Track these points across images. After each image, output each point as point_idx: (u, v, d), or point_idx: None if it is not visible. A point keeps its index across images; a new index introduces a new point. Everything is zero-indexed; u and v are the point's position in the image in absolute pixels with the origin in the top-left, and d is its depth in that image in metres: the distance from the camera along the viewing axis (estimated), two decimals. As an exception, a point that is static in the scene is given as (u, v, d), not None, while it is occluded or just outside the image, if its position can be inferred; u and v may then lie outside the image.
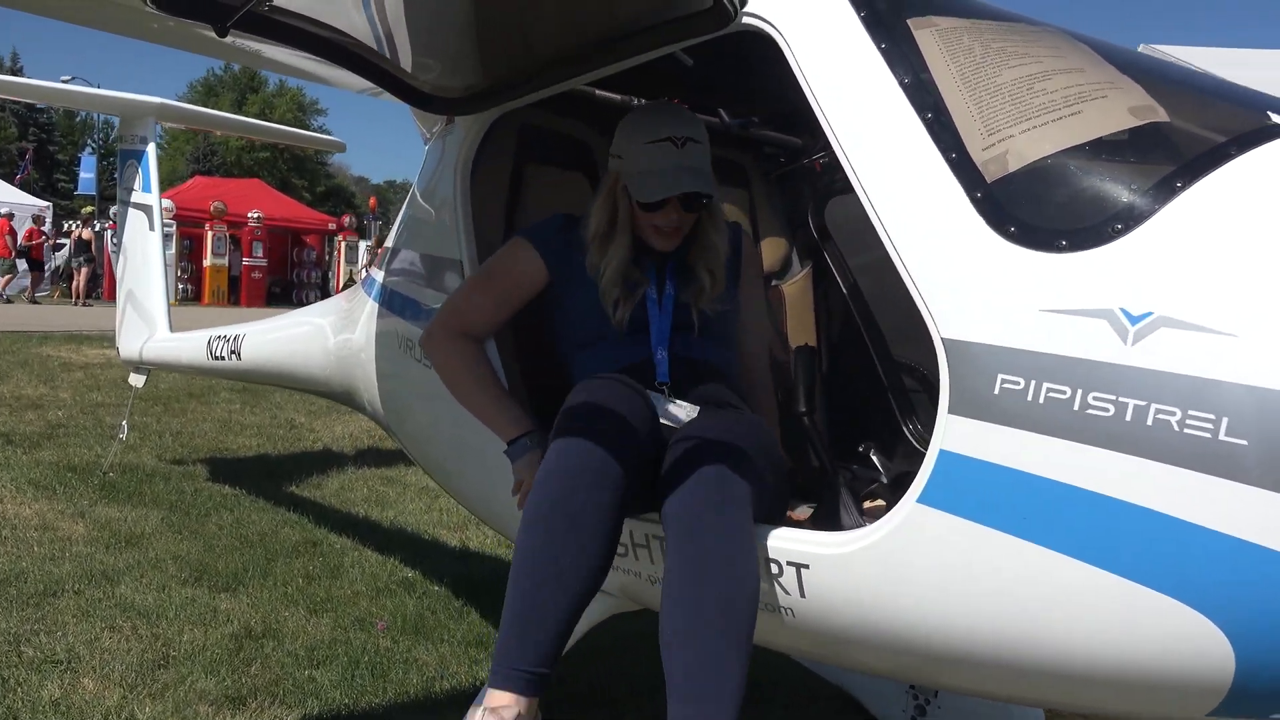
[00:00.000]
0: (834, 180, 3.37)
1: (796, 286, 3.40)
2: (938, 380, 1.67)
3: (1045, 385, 1.55)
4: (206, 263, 24.61)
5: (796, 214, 3.48)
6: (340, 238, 27.40)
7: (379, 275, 3.19)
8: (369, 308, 3.23)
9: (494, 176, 2.82)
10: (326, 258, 28.64)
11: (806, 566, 1.84)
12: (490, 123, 2.70)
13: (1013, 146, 1.70)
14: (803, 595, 1.86)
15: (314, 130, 38.23)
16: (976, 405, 1.63)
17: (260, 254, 25.44)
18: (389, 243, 3.25)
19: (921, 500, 1.70)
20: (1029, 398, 1.58)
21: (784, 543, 1.89)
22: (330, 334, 3.66)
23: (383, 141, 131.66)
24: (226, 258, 24.87)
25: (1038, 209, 1.67)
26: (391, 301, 2.99)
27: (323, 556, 4.89)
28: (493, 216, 2.77)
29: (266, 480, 6.45)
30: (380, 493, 6.43)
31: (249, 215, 25.37)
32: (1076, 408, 1.51)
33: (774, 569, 1.89)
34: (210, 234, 24.49)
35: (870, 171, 1.81)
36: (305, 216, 29.77)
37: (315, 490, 6.41)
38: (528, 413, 2.40)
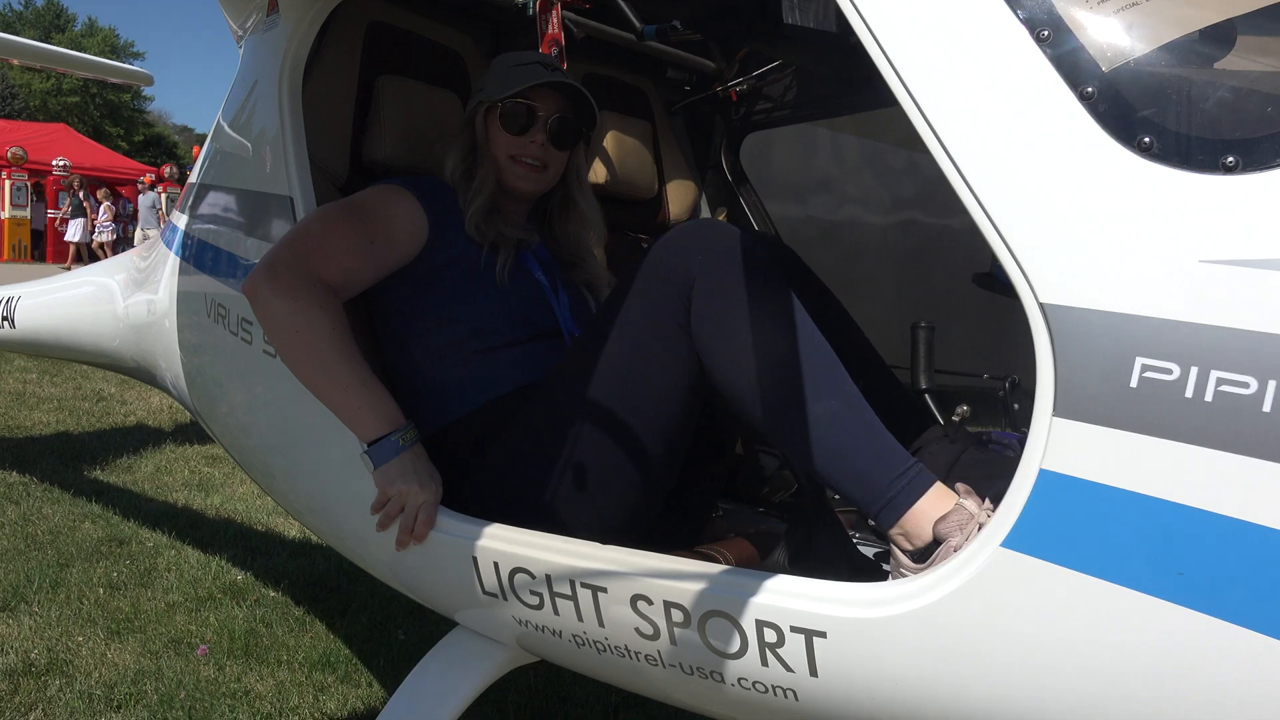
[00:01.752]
0: (752, 112, 2.84)
1: (707, 237, 2.84)
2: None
3: (1215, 375, 1.04)
4: (4, 214, 22.46)
5: (707, 153, 2.93)
6: (160, 189, 25.40)
7: (180, 221, 2.46)
8: (170, 263, 2.50)
9: (334, 88, 2.15)
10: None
11: (822, 635, 1.29)
12: (327, 14, 2.01)
13: (1147, 13, 1.16)
14: (813, 673, 1.31)
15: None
16: (1100, 404, 1.11)
17: (67, 205, 23.33)
18: (193, 177, 2.51)
19: (1010, 544, 1.17)
20: (1188, 393, 1.06)
21: (787, 600, 1.33)
22: (120, 296, 2.89)
23: (207, 87, 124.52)
24: (28, 209, 22.78)
25: (1191, 109, 1.13)
26: (199, 255, 2.28)
27: (130, 558, 4.12)
28: (334, 141, 2.10)
29: (65, 464, 5.53)
30: (204, 475, 5.61)
31: (53, 163, 23.25)
32: (1269, 409, 1.00)
33: (768, 635, 1.34)
34: (8, 183, 22.34)
35: (913, 58, 1.24)
36: (120, 165, 27.66)
37: (125, 475, 5.53)
38: (394, 403, 1.78)
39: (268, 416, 2.14)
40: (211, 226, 2.25)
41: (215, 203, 2.27)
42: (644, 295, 1.60)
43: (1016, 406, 2.57)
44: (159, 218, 19.45)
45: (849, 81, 2.64)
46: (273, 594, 3.85)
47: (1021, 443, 2.30)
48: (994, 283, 1.60)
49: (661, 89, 2.92)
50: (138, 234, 19.55)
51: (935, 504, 1.40)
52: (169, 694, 2.94)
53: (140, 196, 20.21)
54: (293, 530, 4.69)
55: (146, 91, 52.00)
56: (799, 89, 2.75)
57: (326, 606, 3.73)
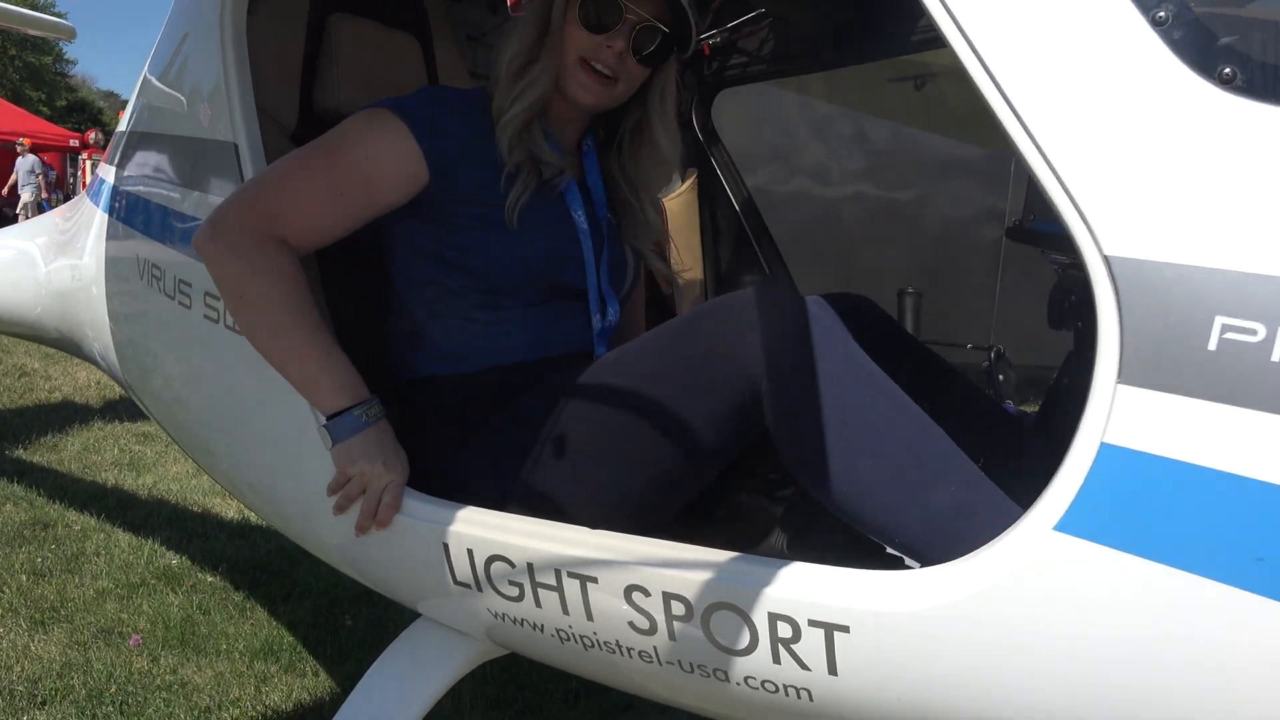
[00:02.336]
0: (725, 66, 2.68)
1: (679, 200, 2.71)
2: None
3: (1317, 337, 0.91)
4: (-80, 181, 21.44)
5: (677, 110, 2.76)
6: (85, 155, 24.48)
7: (109, 175, 2.24)
8: (97, 223, 2.28)
9: (281, 26, 1.95)
10: (70, 179, 25.57)
11: (844, 630, 1.15)
12: (273, -59, 1.82)
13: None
14: (832, 672, 1.17)
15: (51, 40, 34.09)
16: (1173, 369, 0.98)
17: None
18: (121, 126, 2.29)
19: (1065, 527, 1.03)
20: (1275, 356, 0.93)
21: (805, 591, 1.19)
22: (41, 260, 2.65)
23: (132, 52, 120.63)
24: (-54, 176, 21.73)
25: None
26: (130, 212, 2.07)
27: (56, 543, 3.88)
28: (282, 85, 1.90)
29: (-16, 444, 5.23)
30: (135, 454, 5.34)
31: (-29, 128, 22.23)
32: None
33: (781, 630, 1.19)
34: (-77, 149, 21.29)
35: None
36: (42, 130, 26.54)
37: (50, 454, 5.25)
38: (357, 374, 1.59)
39: (208, 388, 1.95)
40: (144, 180, 2.03)
41: (148, 154, 2.05)
42: (690, 373, 1.42)
43: (1001, 378, 2.47)
44: (38, 182, 18.60)
45: (830, 33, 2.50)
46: (210, 579, 3.64)
47: (1019, 415, 2.20)
48: (1030, 235, 1.46)
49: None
50: (23, 199, 18.63)
51: None
52: (98, 688, 2.74)
53: (18, 160, 19.22)
54: (231, 511, 4.47)
55: (69, 54, 50.18)
56: (776, 42, 2.60)
57: (268, 592, 3.54)
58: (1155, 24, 1.02)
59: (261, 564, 3.82)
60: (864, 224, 6.93)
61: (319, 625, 3.28)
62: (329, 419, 1.54)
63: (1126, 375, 1.01)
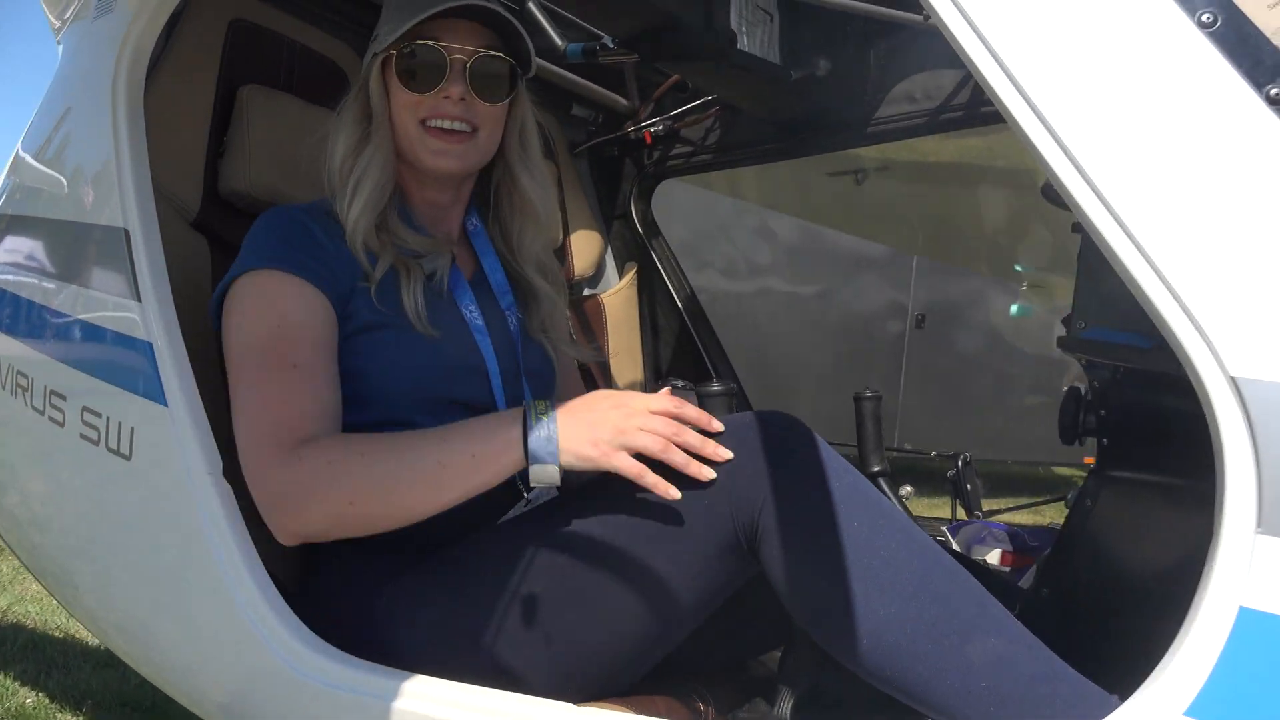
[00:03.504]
0: (667, 156, 2.53)
1: (618, 297, 2.53)
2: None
3: None
4: None
5: (614, 201, 2.60)
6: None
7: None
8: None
9: (185, 96, 1.70)
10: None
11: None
12: (180, 2, 1.57)
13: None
14: None
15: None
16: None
17: None
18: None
19: (1199, 712, 0.83)
20: None
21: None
22: None
23: None
24: None
25: None
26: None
27: (-112, 681, 3.37)
28: (183, 163, 1.65)
29: None
30: (-13, 570, 4.80)
31: None
32: None
33: None
34: None
35: (1026, 61, 0.91)
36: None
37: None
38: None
39: (77, 513, 1.65)
40: (9, 269, 1.73)
41: (16, 239, 1.75)
42: (671, 508, 1.22)
43: (969, 487, 2.31)
44: None
45: (782, 123, 2.37)
46: (73, 719, 3.20)
47: (1014, 536, 2.04)
48: (1086, 346, 1.29)
49: (566, 128, 2.57)
50: None
51: None
52: None
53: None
54: (94, 638, 4.00)
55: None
56: (722, 131, 2.46)
57: (142, 733, 3.12)
58: (1271, 102, 0.86)
59: (131, 700, 3.39)
60: (771, 319, 6.89)
61: (200, 774, 2.88)
62: (529, 458, 1.23)
63: (1267, 523, 0.83)
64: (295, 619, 1.28)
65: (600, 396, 1.27)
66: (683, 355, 2.53)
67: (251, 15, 1.86)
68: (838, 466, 1.22)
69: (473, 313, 1.50)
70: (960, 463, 2.14)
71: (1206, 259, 0.87)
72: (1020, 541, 1.93)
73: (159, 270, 1.43)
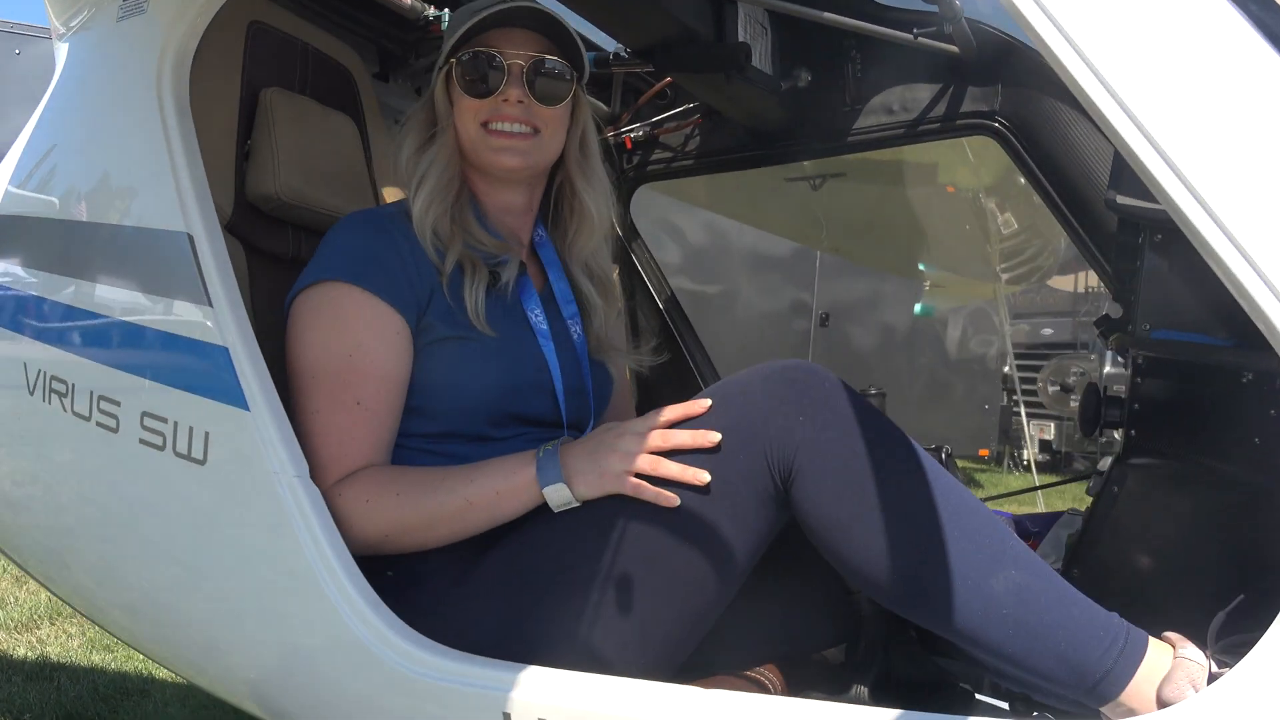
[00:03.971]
0: (647, 161, 2.60)
1: (601, 299, 2.56)
2: None
3: None
4: None
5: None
6: None
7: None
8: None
9: (213, 99, 1.69)
10: None
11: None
12: (222, 2, 1.56)
13: None
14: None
15: None
16: None
17: None
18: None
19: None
20: None
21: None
22: None
23: None
24: None
25: None
26: (17, 313, 1.71)
27: None
28: (214, 166, 1.63)
29: None
30: (-114, 585, 4.54)
31: None
32: None
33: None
34: None
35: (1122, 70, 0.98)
36: None
37: None
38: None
39: (118, 510, 1.64)
40: (35, 274, 1.68)
41: (44, 244, 1.71)
42: (710, 459, 1.29)
43: None
44: None
45: (761, 131, 2.47)
46: (5, 735, 3.09)
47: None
48: (1158, 345, 1.40)
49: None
50: None
51: (1155, 665, 1.16)
52: None
53: None
54: (21, 647, 3.85)
55: None
56: (703, 138, 2.54)
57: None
58: None
59: (73, 711, 3.28)
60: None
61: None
62: (541, 484, 1.34)
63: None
64: (391, 614, 1.31)
65: (604, 429, 1.38)
66: (666, 363, 2.61)
67: (268, 18, 1.86)
68: (865, 409, 1.29)
69: (539, 320, 1.55)
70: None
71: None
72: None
73: (227, 273, 1.43)
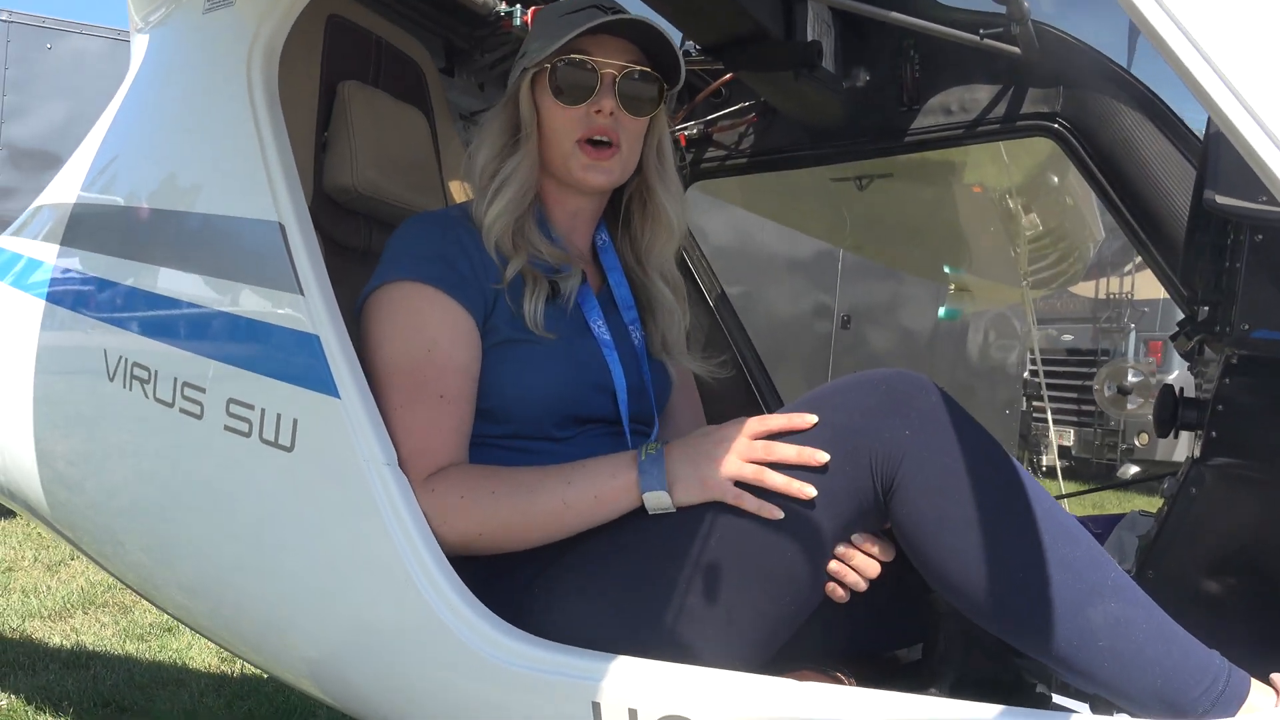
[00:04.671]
0: (700, 159, 2.60)
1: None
2: None
3: None
4: None
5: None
6: None
7: (43, 252, 1.88)
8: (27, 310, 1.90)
9: (294, 91, 1.71)
10: None
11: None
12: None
13: None
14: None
15: None
16: None
17: None
18: (59, 195, 1.91)
19: None
20: None
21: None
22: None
23: None
24: None
25: None
26: (100, 300, 1.73)
27: None
28: (296, 156, 1.64)
29: None
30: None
31: None
32: None
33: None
34: None
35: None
36: None
37: None
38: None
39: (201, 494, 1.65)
40: (120, 262, 1.69)
41: (127, 232, 1.72)
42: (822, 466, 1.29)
43: None
44: None
45: (817, 130, 2.47)
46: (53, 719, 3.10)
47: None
48: (1258, 345, 1.40)
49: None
50: None
51: (1256, 711, 1.16)
52: None
53: None
54: (56, 636, 3.87)
55: None
56: (758, 136, 2.54)
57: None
58: None
59: (110, 699, 3.30)
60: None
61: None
62: (644, 494, 1.33)
63: None
64: (479, 603, 1.32)
65: (701, 434, 1.37)
66: (715, 358, 2.61)
67: (345, 11, 1.87)
68: (971, 427, 1.29)
69: (600, 327, 1.55)
70: None
71: None
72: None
73: (318, 263, 1.45)
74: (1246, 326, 1.35)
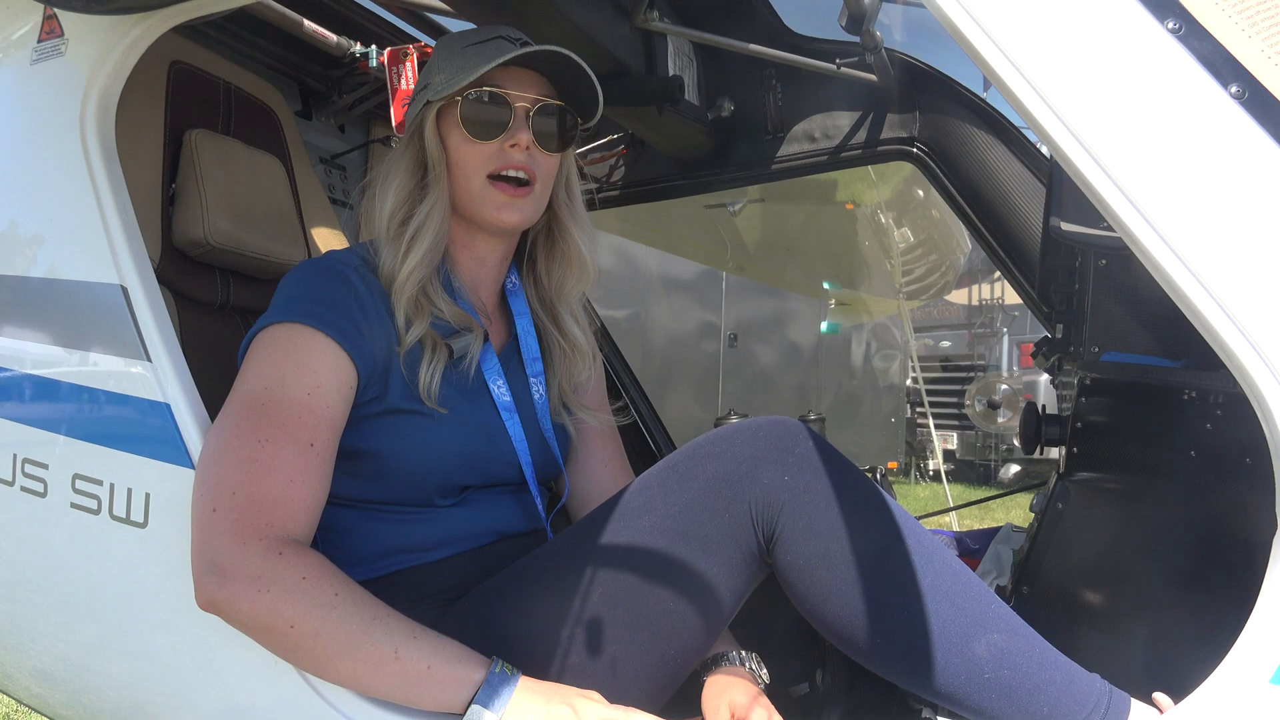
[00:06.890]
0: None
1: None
2: None
3: None
4: None
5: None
6: None
7: None
8: None
9: (137, 142, 1.63)
10: None
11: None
12: (147, 45, 1.50)
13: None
14: None
15: None
16: None
17: None
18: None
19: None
20: None
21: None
22: None
23: None
24: None
25: None
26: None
27: None
28: (140, 212, 1.56)
29: None
30: None
31: None
32: None
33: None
34: None
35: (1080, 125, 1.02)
36: None
37: None
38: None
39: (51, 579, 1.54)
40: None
41: None
42: (694, 510, 1.28)
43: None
44: None
45: (686, 161, 2.49)
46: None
47: (959, 540, 2.21)
48: (1107, 368, 1.43)
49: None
50: None
51: None
52: None
53: None
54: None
55: None
56: (628, 168, 2.54)
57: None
58: None
59: None
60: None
61: None
62: (470, 707, 1.18)
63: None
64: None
65: (567, 694, 1.21)
66: (612, 401, 2.60)
67: (189, 58, 1.80)
68: (847, 469, 1.29)
69: (501, 389, 1.47)
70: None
71: (1259, 282, 0.99)
72: (964, 545, 2.10)
73: (165, 325, 1.37)
74: (1096, 349, 1.39)
